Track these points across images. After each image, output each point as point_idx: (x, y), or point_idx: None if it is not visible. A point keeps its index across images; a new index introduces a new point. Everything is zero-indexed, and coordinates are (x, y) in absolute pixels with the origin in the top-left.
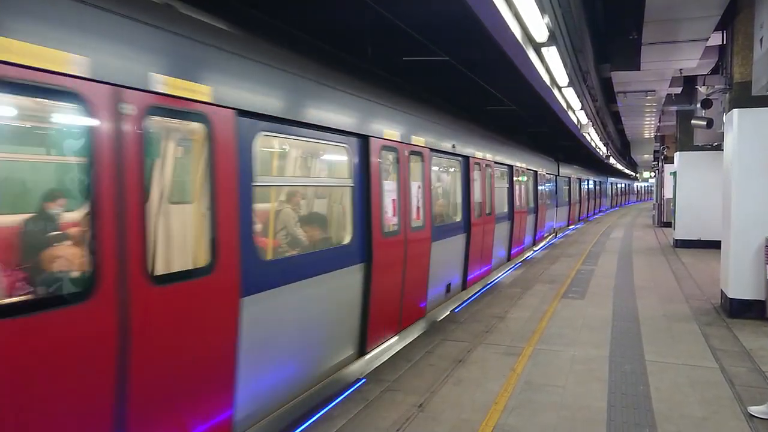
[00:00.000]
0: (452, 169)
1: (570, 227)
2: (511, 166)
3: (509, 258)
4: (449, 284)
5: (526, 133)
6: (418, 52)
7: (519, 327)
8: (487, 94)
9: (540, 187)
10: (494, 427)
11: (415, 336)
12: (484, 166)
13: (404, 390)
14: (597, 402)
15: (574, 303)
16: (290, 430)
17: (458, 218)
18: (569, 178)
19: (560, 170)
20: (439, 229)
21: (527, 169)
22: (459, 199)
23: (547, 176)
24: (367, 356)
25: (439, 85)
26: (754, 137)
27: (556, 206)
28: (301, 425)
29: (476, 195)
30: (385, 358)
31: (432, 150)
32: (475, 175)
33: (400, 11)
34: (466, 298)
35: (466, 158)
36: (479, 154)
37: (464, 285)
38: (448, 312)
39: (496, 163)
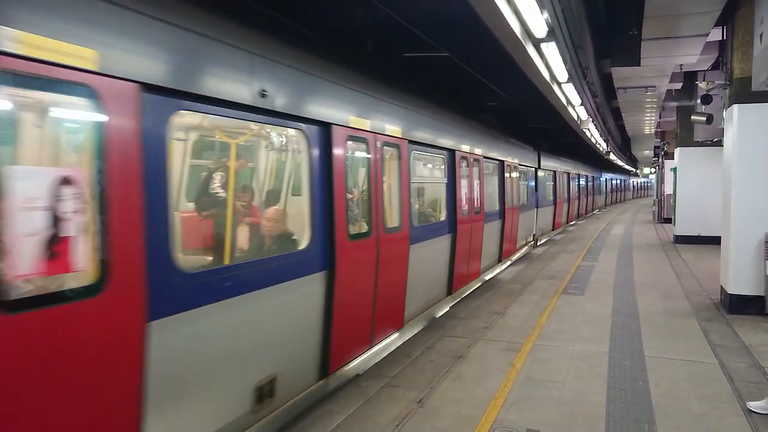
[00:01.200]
0: (300, 149)
1: (566, 227)
2: (452, 152)
3: (451, 290)
4: (271, 381)
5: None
6: (418, 48)
7: (519, 323)
8: (488, 91)
9: (509, 184)
10: (494, 423)
11: (415, 332)
12: (379, 146)
13: (404, 386)
14: (596, 397)
15: (575, 299)
16: (291, 426)
17: (303, 244)
18: (554, 172)
19: (541, 162)
20: (201, 282)
21: (485, 157)
22: (306, 208)
23: (521, 169)
24: None
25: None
26: (754, 133)
27: (536, 207)
28: (301, 421)
29: (359, 198)
30: (385, 354)
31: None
32: (358, 161)
33: (401, 10)
34: (322, 395)
35: (326, 127)
36: (367, 125)
37: (325, 370)
38: (448, 308)
39: (417, 143)
